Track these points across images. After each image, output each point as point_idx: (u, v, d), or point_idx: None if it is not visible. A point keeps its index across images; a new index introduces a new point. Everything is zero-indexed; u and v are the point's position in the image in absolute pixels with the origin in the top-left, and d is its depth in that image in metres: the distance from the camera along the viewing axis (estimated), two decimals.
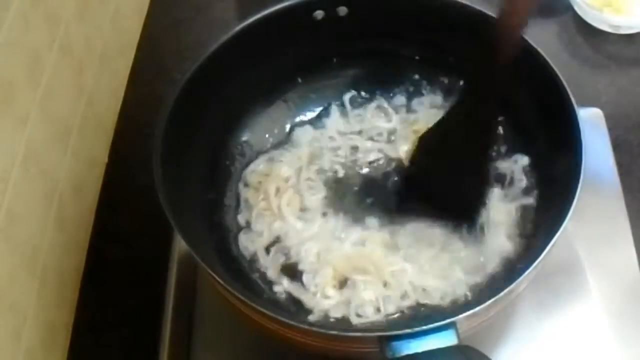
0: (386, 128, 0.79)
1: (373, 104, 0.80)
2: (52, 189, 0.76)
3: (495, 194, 0.72)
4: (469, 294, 0.67)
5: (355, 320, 0.67)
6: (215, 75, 0.71)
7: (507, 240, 0.70)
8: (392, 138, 0.78)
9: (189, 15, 1.05)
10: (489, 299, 0.55)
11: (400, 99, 0.80)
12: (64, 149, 0.79)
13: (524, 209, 0.71)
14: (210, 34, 0.92)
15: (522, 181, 0.72)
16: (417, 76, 0.79)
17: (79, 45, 0.83)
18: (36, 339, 0.71)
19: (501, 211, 0.71)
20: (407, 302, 0.68)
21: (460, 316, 0.54)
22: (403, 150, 0.77)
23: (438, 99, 0.79)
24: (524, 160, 0.73)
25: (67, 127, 0.80)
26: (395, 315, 0.67)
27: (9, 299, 0.66)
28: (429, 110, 0.79)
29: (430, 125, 0.72)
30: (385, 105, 0.80)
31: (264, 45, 0.73)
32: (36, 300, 0.71)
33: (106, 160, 0.91)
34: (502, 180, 0.73)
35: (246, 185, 0.77)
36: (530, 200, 0.71)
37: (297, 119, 0.80)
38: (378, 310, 0.68)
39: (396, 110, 0.80)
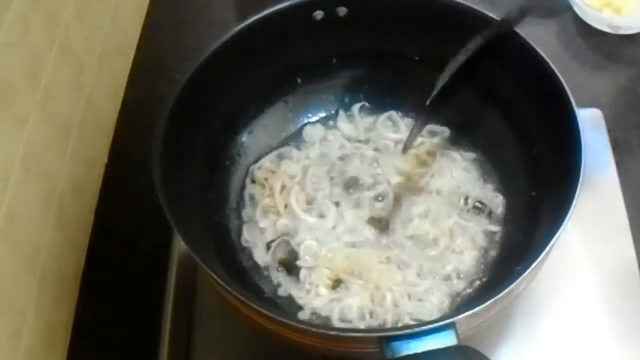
0: (394, 139, 0.80)
1: (383, 115, 0.81)
2: (52, 189, 0.76)
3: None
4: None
5: (337, 324, 0.68)
6: (215, 76, 0.71)
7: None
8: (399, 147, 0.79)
9: (189, 16, 1.05)
10: (489, 299, 0.55)
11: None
12: (63, 149, 0.79)
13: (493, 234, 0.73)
14: (209, 34, 0.92)
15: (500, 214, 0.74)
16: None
17: (78, 46, 0.83)
18: (36, 339, 0.71)
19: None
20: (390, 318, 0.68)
21: (460, 316, 0.54)
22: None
23: None
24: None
25: (67, 127, 0.80)
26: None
27: (8, 299, 0.66)
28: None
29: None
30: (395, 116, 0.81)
31: (263, 45, 0.73)
32: (36, 300, 0.71)
33: (106, 160, 0.91)
34: (482, 210, 0.74)
35: (253, 181, 0.77)
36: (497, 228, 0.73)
37: (300, 119, 0.81)
38: (362, 318, 0.68)
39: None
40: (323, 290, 0.70)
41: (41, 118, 0.72)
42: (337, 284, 0.70)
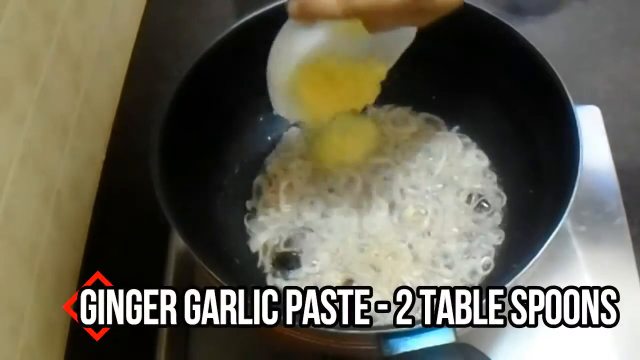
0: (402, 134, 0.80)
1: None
2: (50, 186, 0.76)
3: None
4: None
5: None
6: (213, 73, 0.71)
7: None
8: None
9: (187, 13, 1.05)
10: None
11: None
12: (61, 147, 0.79)
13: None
14: (207, 32, 0.92)
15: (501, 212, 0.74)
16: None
17: (76, 43, 0.83)
18: (34, 337, 0.71)
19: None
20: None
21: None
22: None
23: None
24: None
25: (65, 125, 0.80)
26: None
27: (6, 297, 0.66)
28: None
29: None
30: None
31: (260, 42, 0.73)
32: (34, 298, 0.71)
33: (103, 157, 0.91)
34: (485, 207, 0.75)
35: (264, 172, 0.78)
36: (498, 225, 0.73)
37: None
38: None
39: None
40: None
41: (39, 115, 0.72)
42: (345, 283, 0.70)
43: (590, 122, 0.83)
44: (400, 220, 0.73)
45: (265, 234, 0.74)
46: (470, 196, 0.75)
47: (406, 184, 0.76)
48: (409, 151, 0.78)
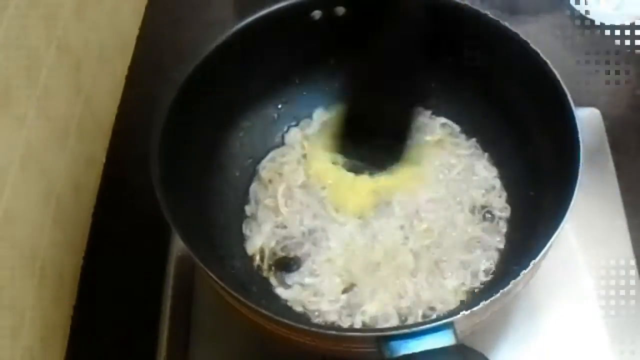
0: None
1: None
2: (50, 188, 0.76)
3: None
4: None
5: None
6: (213, 75, 0.71)
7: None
8: None
9: (187, 15, 1.05)
10: (487, 298, 0.55)
11: None
12: (62, 149, 0.79)
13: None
14: (208, 34, 0.92)
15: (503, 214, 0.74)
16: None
17: (76, 45, 0.83)
18: (34, 339, 0.71)
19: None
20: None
21: (459, 316, 0.54)
22: None
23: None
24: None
25: (65, 127, 0.80)
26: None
27: (7, 299, 0.66)
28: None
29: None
30: None
31: (261, 45, 0.73)
32: (34, 299, 0.71)
33: (104, 159, 0.91)
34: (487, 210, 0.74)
35: (258, 179, 0.77)
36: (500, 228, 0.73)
37: (299, 119, 0.81)
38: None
39: None
40: (330, 296, 0.70)
41: (39, 117, 0.72)
42: (347, 289, 0.70)
43: (590, 125, 0.83)
44: (411, 232, 0.73)
45: (261, 237, 0.73)
46: (474, 207, 0.75)
47: (425, 197, 0.75)
48: (427, 160, 0.78)
